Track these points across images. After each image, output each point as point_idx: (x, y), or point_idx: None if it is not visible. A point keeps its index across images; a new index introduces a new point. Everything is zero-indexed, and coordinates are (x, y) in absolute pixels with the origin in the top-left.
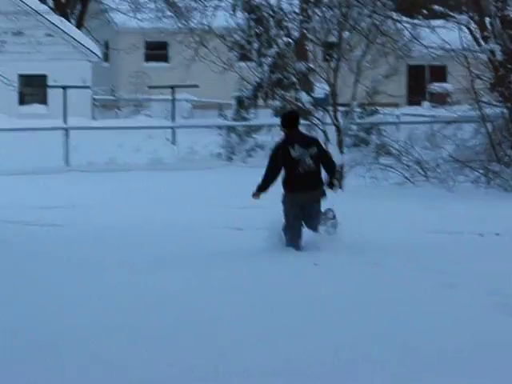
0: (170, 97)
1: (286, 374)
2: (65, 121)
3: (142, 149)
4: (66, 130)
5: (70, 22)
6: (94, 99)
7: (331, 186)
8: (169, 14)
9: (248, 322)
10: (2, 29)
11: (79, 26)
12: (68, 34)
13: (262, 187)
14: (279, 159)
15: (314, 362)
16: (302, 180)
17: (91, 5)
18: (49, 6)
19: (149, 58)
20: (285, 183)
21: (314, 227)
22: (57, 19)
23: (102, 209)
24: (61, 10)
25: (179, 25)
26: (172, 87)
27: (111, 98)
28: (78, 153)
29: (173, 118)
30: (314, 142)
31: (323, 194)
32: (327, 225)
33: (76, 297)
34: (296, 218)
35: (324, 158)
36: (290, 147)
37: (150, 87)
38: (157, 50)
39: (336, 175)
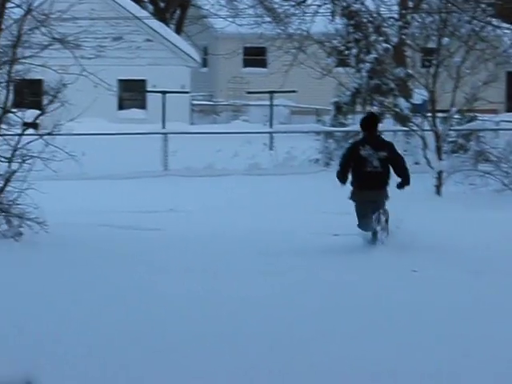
0: (267, 102)
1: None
2: (163, 126)
3: (240, 154)
4: (165, 134)
5: (169, 27)
6: (193, 104)
7: (400, 186)
8: (268, 19)
9: (335, 326)
10: (103, 34)
11: (178, 31)
12: (167, 40)
13: (339, 180)
14: (349, 156)
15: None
16: (367, 178)
17: (190, 10)
18: (148, 12)
19: (247, 63)
20: (352, 180)
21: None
22: (156, 24)
23: (199, 214)
24: (160, 15)
25: (278, 30)
26: (270, 93)
27: (209, 103)
28: (176, 158)
29: (271, 124)
30: (386, 145)
31: (387, 195)
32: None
33: (158, 303)
34: (365, 214)
35: (395, 161)
36: (360, 146)
37: (249, 93)
38: (255, 56)
39: (407, 180)
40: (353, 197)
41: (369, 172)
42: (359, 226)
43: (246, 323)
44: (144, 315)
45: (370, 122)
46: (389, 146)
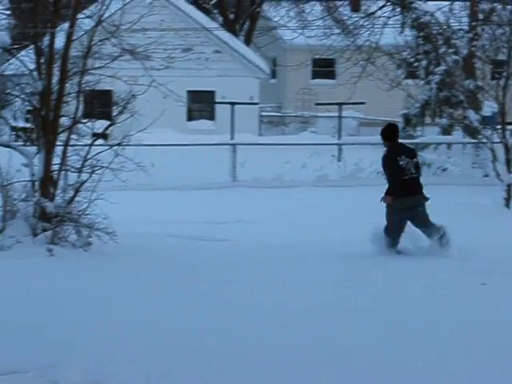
0: (336, 114)
1: None
2: (232, 137)
3: (308, 165)
4: (234, 145)
5: (238, 38)
6: (261, 115)
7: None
8: (336, 31)
9: (402, 337)
10: (172, 45)
11: (247, 42)
12: (236, 51)
13: (391, 191)
14: (392, 165)
15: None
16: (406, 186)
17: (260, 21)
18: (218, 23)
19: (316, 74)
20: (391, 191)
21: (424, 230)
22: (226, 36)
23: (267, 225)
24: (229, 26)
25: (347, 42)
26: (339, 104)
27: (278, 114)
28: (244, 169)
29: (339, 135)
30: (415, 153)
31: (425, 197)
32: (439, 239)
33: (225, 313)
34: (398, 223)
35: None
36: (397, 157)
37: (318, 104)
38: (324, 67)
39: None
40: (397, 205)
41: (408, 179)
42: (387, 234)
43: (314, 335)
44: (210, 325)
45: (395, 133)
46: (416, 153)
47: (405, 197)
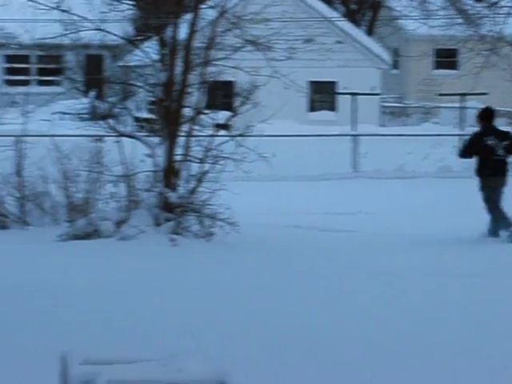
0: (458, 104)
1: None
2: (353, 127)
3: (430, 156)
4: (355, 136)
5: (360, 29)
6: (383, 106)
7: None
8: (459, 21)
9: None
10: (294, 36)
11: (369, 32)
12: (358, 42)
13: (460, 153)
14: (474, 143)
15: None
16: (494, 165)
17: (382, 11)
18: (340, 13)
19: (438, 65)
20: (480, 169)
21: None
22: (347, 26)
23: (389, 216)
24: (351, 16)
25: (470, 32)
26: (461, 95)
27: (400, 105)
28: (366, 159)
29: (461, 126)
30: (507, 135)
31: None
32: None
33: (342, 305)
34: (496, 201)
35: None
36: (485, 137)
37: (441, 95)
38: (446, 58)
39: None
40: (483, 185)
41: (496, 160)
42: (493, 219)
43: (434, 328)
44: (328, 317)
45: (490, 114)
46: (508, 136)
47: (489, 176)
